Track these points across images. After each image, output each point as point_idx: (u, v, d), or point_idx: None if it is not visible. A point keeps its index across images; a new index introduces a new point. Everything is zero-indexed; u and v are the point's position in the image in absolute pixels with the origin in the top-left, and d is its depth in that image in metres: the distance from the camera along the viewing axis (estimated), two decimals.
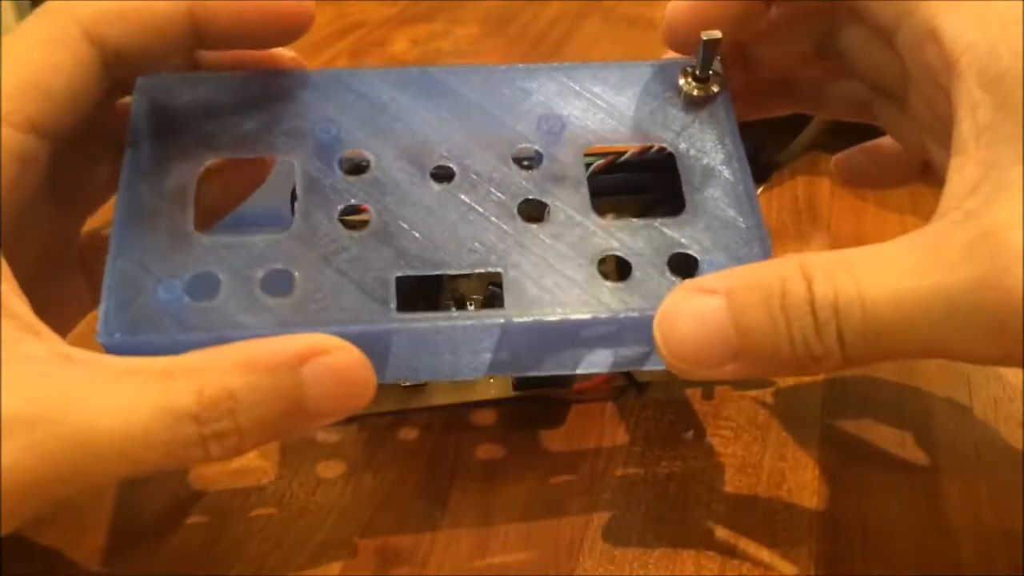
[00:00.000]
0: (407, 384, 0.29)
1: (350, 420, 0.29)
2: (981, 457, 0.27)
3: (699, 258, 0.23)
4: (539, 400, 0.29)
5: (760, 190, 0.30)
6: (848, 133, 0.33)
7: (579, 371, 0.25)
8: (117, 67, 0.23)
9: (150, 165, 0.24)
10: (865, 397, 0.29)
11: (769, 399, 0.29)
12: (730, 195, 0.25)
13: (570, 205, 0.24)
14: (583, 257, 0.23)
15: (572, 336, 0.23)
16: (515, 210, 0.24)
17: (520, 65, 0.27)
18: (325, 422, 0.21)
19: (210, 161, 0.24)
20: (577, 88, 0.26)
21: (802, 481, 0.26)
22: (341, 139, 0.25)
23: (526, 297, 0.23)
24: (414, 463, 0.28)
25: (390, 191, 0.24)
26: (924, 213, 0.39)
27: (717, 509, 0.26)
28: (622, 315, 0.22)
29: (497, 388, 0.29)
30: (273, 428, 0.20)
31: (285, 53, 0.26)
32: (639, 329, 0.22)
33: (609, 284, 0.23)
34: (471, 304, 0.29)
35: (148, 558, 0.25)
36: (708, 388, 0.30)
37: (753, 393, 0.29)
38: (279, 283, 0.22)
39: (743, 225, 0.24)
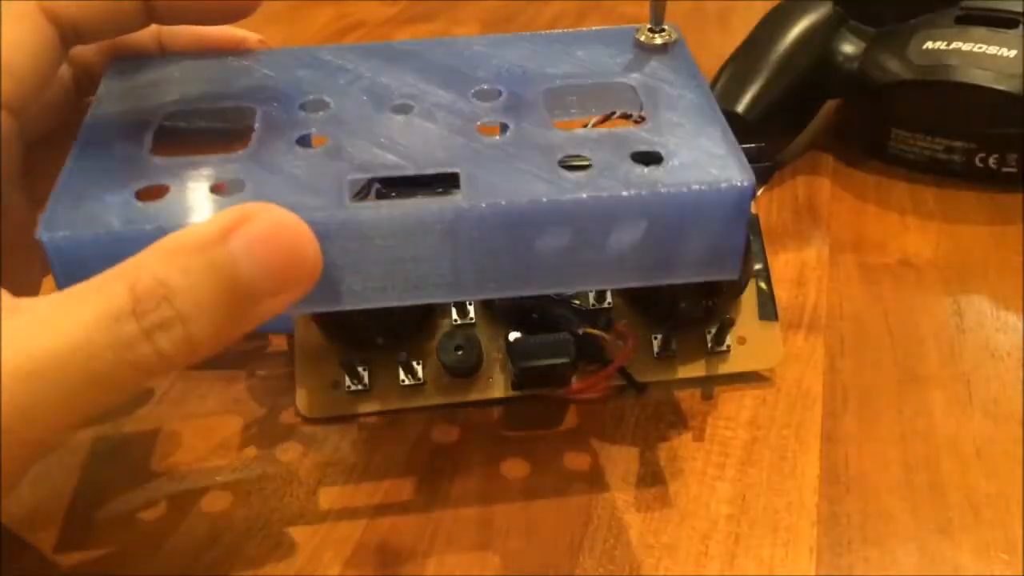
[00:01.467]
0: (405, 384, 0.29)
1: (350, 420, 0.29)
2: (981, 457, 0.27)
3: (664, 153, 0.23)
4: (538, 400, 0.29)
5: (761, 191, 0.30)
6: (849, 133, 0.33)
7: (557, 287, 0.24)
8: (76, 41, 0.24)
9: (113, 111, 0.25)
10: (865, 397, 0.29)
11: (769, 399, 0.29)
12: (693, 109, 0.25)
13: (531, 122, 0.24)
14: (544, 157, 0.23)
15: (535, 225, 0.22)
16: (474, 127, 0.24)
17: (482, 36, 0.28)
18: (274, 303, 0.20)
19: (171, 103, 0.25)
20: (538, 48, 0.27)
21: (802, 481, 0.26)
22: (303, 88, 0.26)
23: (484, 187, 0.22)
24: (414, 463, 0.28)
25: (349, 123, 0.24)
26: (923, 213, 0.39)
27: (717, 509, 0.26)
28: (584, 195, 0.22)
29: (497, 388, 0.29)
30: (218, 312, 0.19)
31: (251, 36, 0.27)
32: (603, 215, 0.22)
33: (570, 175, 0.23)
34: (471, 304, 0.29)
35: (148, 558, 0.25)
36: (708, 388, 0.30)
37: (753, 392, 0.29)
38: (230, 189, 0.22)
39: (708, 128, 0.24)
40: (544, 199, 0.22)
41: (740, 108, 0.39)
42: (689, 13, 0.54)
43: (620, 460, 0.27)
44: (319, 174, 0.23)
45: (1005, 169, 0.39)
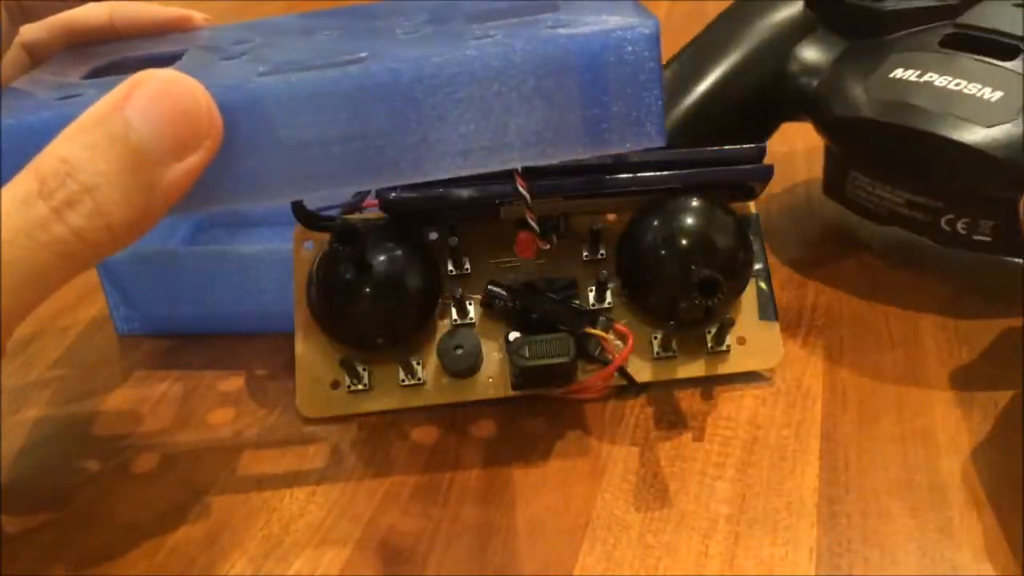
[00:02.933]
0: (405, 384, 0.29)
1: (350, 420, 0.29)
2: (981, 457, 0.27)
3: (569, 22, 0.23)
4: (538, 400, 0.29)
5: (761, 191, 0.30)
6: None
7: (477, 164, 0.23)
8: (22, 19, 0.25)
9: (54, 65, 0.27)
10: (865, 397, 0.29)
11: (769, 399, 0.29)
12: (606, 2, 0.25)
13: (447, 25, 0.25)
14: (453, 39, 0.23)
15: (435, 88, 0.22)
16: (393, 34, 0.25)
17: None
18: (182, 167, 0.20)
19: (109, 56, 0.27)
20: None
21: (802, 481, 0.26)
22: (235, 38, 0.27)
23: (388, 58, 0.22)
24: (414, 463, 0.28)
25: (274, 47, 0.25)
26: None
27: (717, 509, 0.26)
28: (473, 51, 0.22)
29: (497, 388, 0.29)
30: (123, 180, 0.20)
31: (196, 14, 0.29)
32: (502, 69, 0.22)
33: (473, 41, 0.22)
34: (471, 303, 0.29)
35: (148, 558, 0.25)
36: (708, 388, 0.30)
37: (753, 392, 0.29)
38: None
39: (618, 7, 0.24)
40: (436, 58, 0.22)
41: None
42: (689, 13, 0.54)
43: (620, 460, 0.27)
44: (236, 71, 0.23)
45: (976, 236, 0.31)
